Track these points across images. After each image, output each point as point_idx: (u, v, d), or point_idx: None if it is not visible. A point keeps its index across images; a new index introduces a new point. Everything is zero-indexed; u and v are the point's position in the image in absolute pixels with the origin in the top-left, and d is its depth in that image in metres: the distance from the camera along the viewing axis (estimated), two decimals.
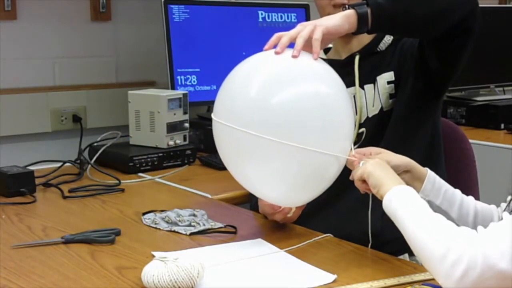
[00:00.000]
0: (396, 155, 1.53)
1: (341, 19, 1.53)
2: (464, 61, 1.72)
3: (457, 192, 1.54)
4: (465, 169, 1.97)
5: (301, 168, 1.44)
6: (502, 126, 3.13)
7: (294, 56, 1.46)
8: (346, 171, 1.83)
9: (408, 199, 1.34)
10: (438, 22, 1.60)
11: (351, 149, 1.49)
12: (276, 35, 1.51)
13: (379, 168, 1.44)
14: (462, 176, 1.96)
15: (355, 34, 1.58)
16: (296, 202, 1.59)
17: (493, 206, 1.55)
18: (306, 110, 1.41)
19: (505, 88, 3.51)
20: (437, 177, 1.53)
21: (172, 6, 2.54)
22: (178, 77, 2.56)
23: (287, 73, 1.46)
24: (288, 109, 1.41)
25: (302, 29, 1.50)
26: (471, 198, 1.56)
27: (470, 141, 2.02)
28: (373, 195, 1.81)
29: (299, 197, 1.55)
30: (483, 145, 2.83)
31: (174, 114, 2.39)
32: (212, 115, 1.51)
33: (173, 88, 2.53)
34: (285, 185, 1.48)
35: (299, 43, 1.48)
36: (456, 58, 1.70)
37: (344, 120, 1.48)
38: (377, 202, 1.78)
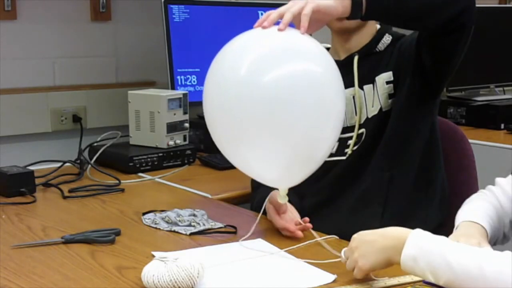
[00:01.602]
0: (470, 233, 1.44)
1: (335, 1, 1.54)
2: (459, 58, 1.72)
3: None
4: (465, 169, 1.97)
5: (294, 146, 1.43)
6: (502, 126, 3.13)
7: (279, 30, 1.46)
8: (346, 172, 1.84)
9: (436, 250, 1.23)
10: (432, 14, 1.61)
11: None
12: (267, 13, 1.52)
13: (366, 249, 1.33)
14: (462, 176, 1.96)
15: (349, 19, 1.58)
16: (292, 182, 1.56)
17: None
18: (296, 88, 1.40)
19: (505, 88, 3.51)
20: (490, 223, 1.49)
21: (172, 6, 2.54)
22: (178, 77, 2.56)
23: (277, 51, 1.45)
24: (279, 88, 1.39)
25: (293, 5, 1.51)
26: None
27: (470, 141, 2.02)
28: (372, 195, 1.82)
29: (294, 176, 1.53)
30: (483, 145, 2.82)
31: (174, 114, 2.39)
32: (203, 100, 1.50)
33: (173, 88, 2.53)
34: (280, 165, 1.47)
35: (287, 17, 1.48)
36: (450, 55, 1.71)
37: (335, 98, 1.47)
38: (376, 202, 1.79)
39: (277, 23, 1.50)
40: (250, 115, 1.40)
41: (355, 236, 1.37)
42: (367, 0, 1.55)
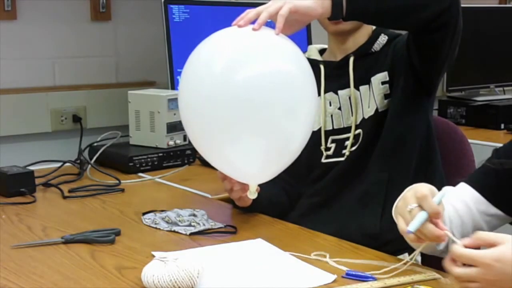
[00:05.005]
0: None
1: (314, 3, 1.55)
2: (447, 56, 1.71)
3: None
4: (464, 169, 1.97)
5: (270, 141, 1.46)
6: (502, 126, 3.13)
7: (254, 29, 1.49)
8: (344, 173, 1.84)
9: None
10: (412, 14, 1.62)
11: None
12: (246, 11, 1.53)
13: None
14: (461, 177, 1.95)
15: (331, 19, 1.60)
16: (264, 178, 1.58)
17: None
18: (269, 86, 1.42)
19: (505, 88, 3.51)
20: None
21: (172, 6, 2.54)
22: (178, 77, 2.56)
23: (250, 50, 1.47)
24: (252, 86, 1.42)
25: (271, 5, 1.52)
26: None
27: (470, 141, 2.02)
28: (371, 196, 1.82)
29: (271, 170, 1.56)
30: (483, 145, 2.82)
31: (174, 114, 2.39)
32: (178, 101, 1.53)
33: (173, 88, 2.53)
34: (259, 159, 1.49)
35: (263, 17, 1.51)
36: (437, 53, 1.71)
37: (305, 95, 1.49)
38: (376, 202, 1.79)
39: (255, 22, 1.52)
40: (222, 112, 1.43)
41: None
42: (348, 0, 1.55)
